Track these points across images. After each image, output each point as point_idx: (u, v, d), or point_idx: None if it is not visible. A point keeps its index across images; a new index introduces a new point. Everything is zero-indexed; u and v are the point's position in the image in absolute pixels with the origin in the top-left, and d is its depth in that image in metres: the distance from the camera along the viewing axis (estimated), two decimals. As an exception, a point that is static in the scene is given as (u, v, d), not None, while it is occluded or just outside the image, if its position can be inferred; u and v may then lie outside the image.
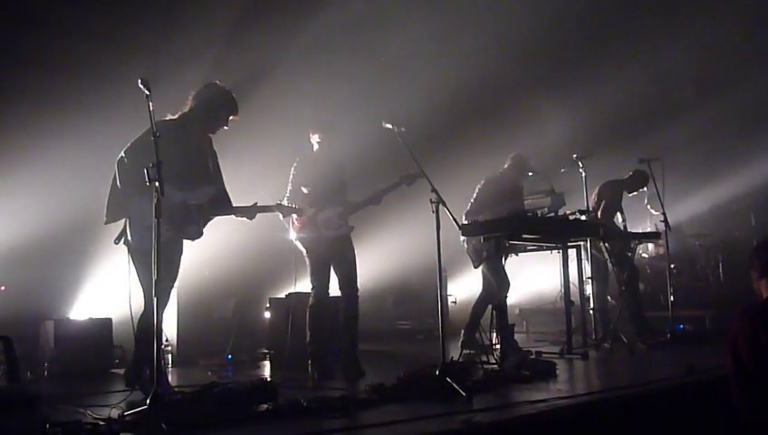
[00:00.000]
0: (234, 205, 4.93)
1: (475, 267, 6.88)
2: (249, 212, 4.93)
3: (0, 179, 6.79)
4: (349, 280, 5.75)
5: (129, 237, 4.43)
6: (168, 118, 4.68)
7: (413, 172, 5.44)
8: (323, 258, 5.72)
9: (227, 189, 4.94)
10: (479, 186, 7.13)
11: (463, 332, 6.95)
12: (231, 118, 4.88)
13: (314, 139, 5.92)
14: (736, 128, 11.23)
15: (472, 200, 7.04)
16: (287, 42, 8.63)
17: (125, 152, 4.51)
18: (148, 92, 3.86)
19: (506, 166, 7.27)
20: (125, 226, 4.49)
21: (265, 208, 5.01)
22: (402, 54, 9.74)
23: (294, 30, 8.63)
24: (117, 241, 4.54)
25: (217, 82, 4.96)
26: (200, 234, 4.69)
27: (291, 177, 5.83)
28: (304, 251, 5.77)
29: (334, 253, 5.73)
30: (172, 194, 4.30)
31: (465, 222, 6.78)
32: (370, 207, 5.92)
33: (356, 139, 7.28)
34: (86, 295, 7.01)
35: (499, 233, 6.16)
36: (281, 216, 5.35)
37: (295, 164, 5.87)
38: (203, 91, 4.84)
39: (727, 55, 10.84)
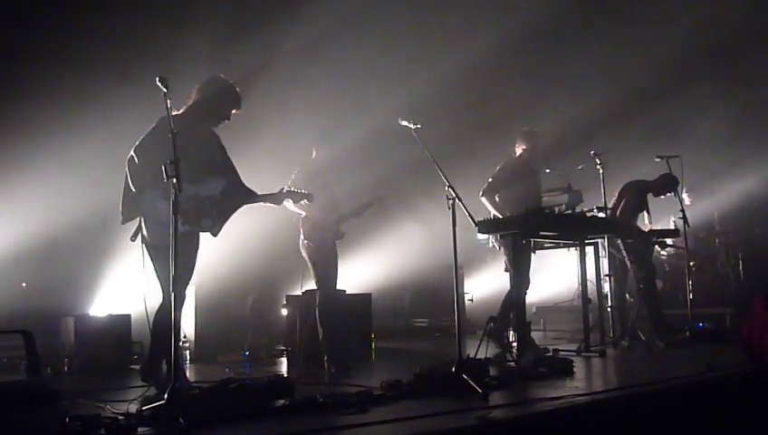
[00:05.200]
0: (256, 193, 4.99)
1: None
2: (274, 199, 5.05)
3: (21, 177, 6.87)
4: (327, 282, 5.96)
5: (145, 233, 4.47)
6: (173, 113, 4.68)
7: (383, 195, 6.30)
8: (327, 257, 5.92)
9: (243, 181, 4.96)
10: (498, 167, 7.19)
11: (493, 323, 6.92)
12: (234, 111, 4.93)
13: (313, 149, 6.12)
14: (757, 125, 11.09)
15: (490, 179, 7.07)
16: (296, 36, 8.61)
17: (134, 151, 4.53)
18: (165, 90, 3.90)
19: (520, 148, 7.31)
20: (140, 222, 4.53)
21: (269, 197, 5.10)
22: (417, 47, 9.68)
23: (304, 24, 8.61)
24: (133, 238, 4.60)
25: (221, 75, 4.98)
26: (216, 227, 4.69)
27: (290, 182, 5.89)
28: (306, 255, 5.93)
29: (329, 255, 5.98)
30: (184, 188, 4.32)
31: (482, 198, 6.96)
32: (388, 206, 6.13)
33: (369, 135, 7.29)
34: (106, 292, 7.08)
35: (516, 230, 6.14)
36: (290, 204, 5.40)
37: (296, 171, 5.98)
38: (206, 86, 4.87)
39: (747, 54, 10.72)
